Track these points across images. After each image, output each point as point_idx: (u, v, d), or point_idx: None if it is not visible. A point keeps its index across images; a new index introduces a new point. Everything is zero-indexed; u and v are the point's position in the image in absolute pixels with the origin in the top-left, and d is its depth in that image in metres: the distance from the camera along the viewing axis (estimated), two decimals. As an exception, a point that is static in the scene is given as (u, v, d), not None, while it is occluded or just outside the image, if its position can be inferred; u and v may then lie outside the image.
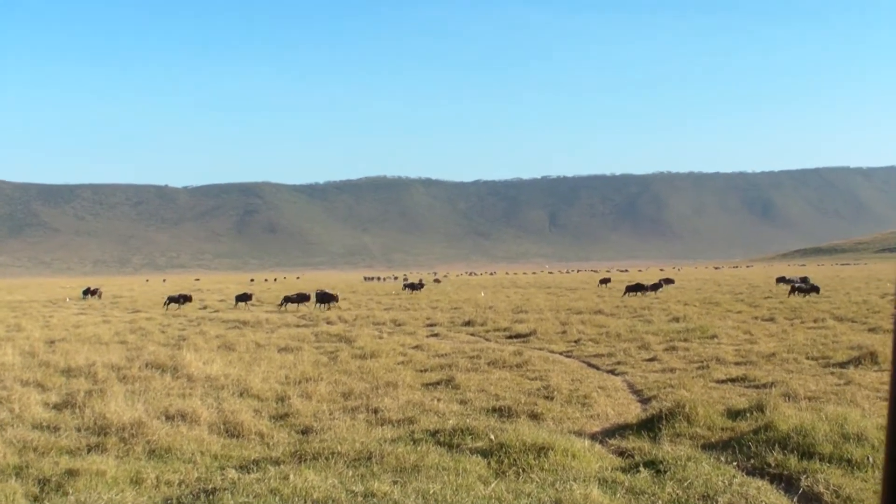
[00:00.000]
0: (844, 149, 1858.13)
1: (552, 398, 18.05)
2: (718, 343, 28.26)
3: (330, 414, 16.71)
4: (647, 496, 10.98)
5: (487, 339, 32.85)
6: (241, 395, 18.91)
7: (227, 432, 15.19)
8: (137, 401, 17.53)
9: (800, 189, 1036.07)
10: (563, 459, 12.38)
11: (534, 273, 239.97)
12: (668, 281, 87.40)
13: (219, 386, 20.02)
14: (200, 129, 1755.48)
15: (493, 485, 11.24)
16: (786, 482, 11.63)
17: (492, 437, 13.44)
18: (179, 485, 11.90)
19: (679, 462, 12.16)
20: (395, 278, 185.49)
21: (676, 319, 37.45)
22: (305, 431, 15.39)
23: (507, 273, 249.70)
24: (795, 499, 10.91)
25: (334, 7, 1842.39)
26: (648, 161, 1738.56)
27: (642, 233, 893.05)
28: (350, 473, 11.90)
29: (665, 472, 11.85)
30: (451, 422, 15.02)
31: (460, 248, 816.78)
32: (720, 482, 11.29)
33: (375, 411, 16.80)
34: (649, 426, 14.80)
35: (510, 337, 33.31)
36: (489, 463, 12.39)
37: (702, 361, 23.74)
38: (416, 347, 29.02)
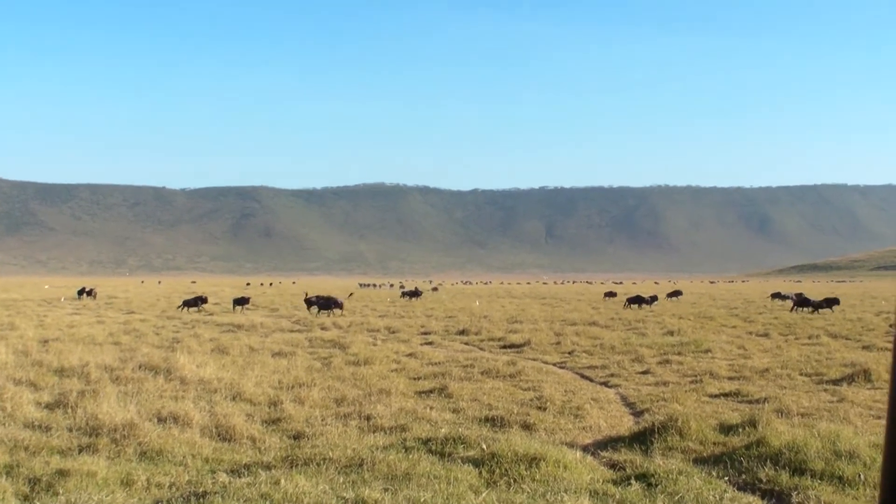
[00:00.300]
0: (842, 166, 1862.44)
1: (545, 409, 18.03)
2: (712, 357, 28.25)
3: (322, 420, 16.68)
4: (637, 509, 10.99)
5: (481, 349, 32.81)
6: (233, 398, 18.88)
7: (218, 436, 15.16)
8: (130, 402, 17.49)
9: (797, 205, 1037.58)
10: (555, 470, 12.37)
11: (528, 283, 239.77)
12: (677, 293, 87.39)
13: (212, 389, 19.99)
14: (199, 132, 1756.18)
15: (483, 494, 11.22)
16: (777, 498, 11.62)
17: (484, 446, 13.42)
18: (170, 487, 11.88)
19: (670, 476, 12.16)
20: (391, 286, 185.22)
21: (671, 333, 37.44)
22: (297, 437, 15.37)
23: (501, 283, 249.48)
24: (786, 515, 10.91)
25: (335, 13, 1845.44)
26: (646, 174, 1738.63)
27: (639, 245, 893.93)
28: (341, 480, 11.89)
29: (656, 485, 11.85)
30: (443, 430, 15.00)
31: (456, 257, 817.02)
32: (711, 497, 11.29)
33: (368, 418, 16.79)
34: (641, 439, 14.79)
35: (504, 347, 33.27)
36: (480, 472, 12.37)
37: (695, 375, 23.73)
38: (410, 355, 29.00)
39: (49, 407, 17.56)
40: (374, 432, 15.63)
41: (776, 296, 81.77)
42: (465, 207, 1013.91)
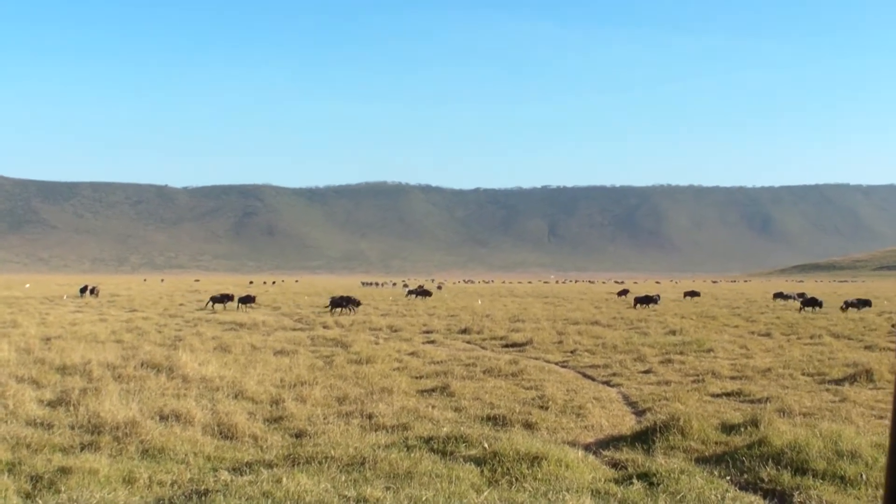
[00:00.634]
0: (844, 166, 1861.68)
1: (547, 408, 18.04)
2: (714, 357, 28.24)
3: (324, 418, 16.68)
4: (639, 508, 11.00)
5: (483, 348, 32.81)
6: (235, 397, 18.89)
7: (220, 434, 15.17)
8: (132, 400, 17.50)
9: (799, 205, 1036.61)
10: (557, 469, 12.37)
11: (529, 282, 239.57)
12: (694, 293, 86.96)
13: (214, 387, 20.00)
14: (201, 130, 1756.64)
15: (485, 493, 11.23)
16: (779, 498, 11.63)
17: (485, 445, 13.42)
18: (172, 485, 11.89)
19: (672, 475, 12.16)
20: (394, 284, 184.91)
21: (673, 332, 37.44)
22: (299, 435, 15.37)
23: (503, 282, 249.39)
24: (788, 515, 10.91)
25: (337, 12, 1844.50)
26: (648, 173, 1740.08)
27: (641, 245, 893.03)
28: (343, 478, 11.90)
29: (658, 484, 11.85)
30: (445, 429, 15.00)
31: (458, 256, 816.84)
32: (713, 496, 11.30)
33: (370, 417, 16.79)
34: (643, 438, 14.80)
35: (506, 346, 33.27)
36: (482, 471, 12.37)
37: (697, 375, 23.73)
38: (412, 354, 29.01)
39: (51, 405, 17.58)
40: (375, 431, 15.63)
41: (778, 295, 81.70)
42: (468, 206, 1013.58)
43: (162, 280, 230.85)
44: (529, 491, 11.49)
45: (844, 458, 12.68)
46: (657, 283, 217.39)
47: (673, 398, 19.19)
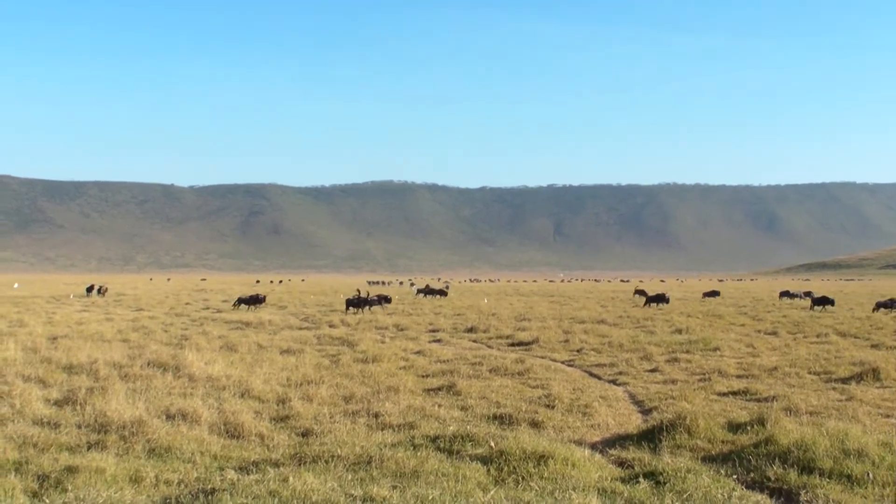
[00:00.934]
0: (851, 164, 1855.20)
1: (553, 407, 18.04)
2: (721, 356, 28.22)
3: (330, 417, 16.70)
4: (646, 507, 11.00)
5: (490, 347, 32.81)
6: (242, 396, 18.91)
7: (227, 433, 15.20)
8: (138, 399, 17.54)
9: (805, 203, 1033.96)
10: (563, 468, 12.38)
11: (534, 281, 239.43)
12: (714, 293, 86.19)
13: (220, 386, 20.03)
14: (207, 130, 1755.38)
15: (492, 492, 11.24)
16: (786, 496, 11.63)
17: (492, 444, 13.43)
18: (178, 484, 11.92)
19: (679, 474, 12.16)
20: (401, 283, 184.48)
21: (679, 331, 37.41)
22: (306, 434, 15.39)
23: (508, 281, 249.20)
24: (795, 513, 10.91)
25: (342, 11, 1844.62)
26: (654, 172, 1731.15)
27: (647, 244, 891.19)
28: (349, 477, 11.92)
29: (665, 483, 11.85)
30: (451, 428, 15.01)
31: (464, 255, 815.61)
32: (720, 495, 11.29)
33: (376, 416, 16.81)
34: (650, 437, 14.80)
35: (512, 344, 33.27)
36: (489, 470, 12.39)
37: (704, 374, 23.72)
38: (419, 353, 29.02)
39: (58, 404, 17.61)
40: (382, 430, 15.65)
41: (785, 294, 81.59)
42: (474, 205, 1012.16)
43: (168, 279, 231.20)
44: (536, 490, 11.50)
45: (851, 456, 12.68)
46: (662, 281, 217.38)
47: (679, 397, 19.21)
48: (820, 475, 12.14)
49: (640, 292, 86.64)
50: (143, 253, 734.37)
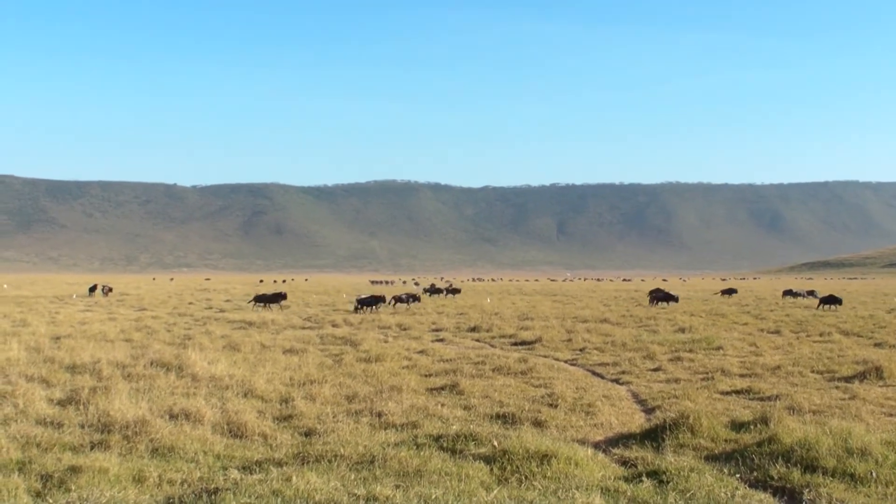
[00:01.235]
0: (854, 163, 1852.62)
1: (556, 406, 18.05)
2: (724, 354, 28.23)
3: (333, 416, 16.70)
4: (649, 506, 11.00)
5: (492, 346, 32.81)
6: (245, 395, 18.92)
7: (230, 432, 15.21)
8: (141, 399, 17.55)
9: (808, 202, 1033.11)
10: (566, 467, 12.38)
11: (536, 280, 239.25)
12: (732, 291, 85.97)
13: (223, 386, 20.03)
14: (210, 129, 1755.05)
15: (495, 491, 11.25)
16: (788, 495, 11.63)
17: (495, 443, 13.43)
18: (182, 484, 11.92)
19: (682, 473, 12.16)
20: (404, 282, 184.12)
21: (682, 330, 37.41)
22: (309, 433, 15.40)
23: (510, 280, 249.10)
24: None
25: (346, 10, 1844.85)
26: (657, 171, 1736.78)
27: (649, 242, 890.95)
28: (352, 476, 11.93)
29: (668, 482, 11.86)
30: (454, 427, 15.02)
31: (467, 254, 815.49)
32: (723, 494, 11.29)
33: (379, 415, 16.81)
34: (653, 436, 14.79)
35: (515, 344, 33.27)
36: (492, 469, 12.39)
37: (707, 373, 23.72)
38: (422, 352, 29.01)
39: (61, 403, 17.62)
40: (385, 429, 15.66)
41: (788, 293, 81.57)
42: (476, 204, 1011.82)
43: (171, 279, 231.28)
44: (539, 489, 11.51)
45: (854, 455, 12.68)
46: (664, 280, 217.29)
47: (682, 396, 19.21)
48: (823, 474, 12.14)
49: (657, 294, 72.40)
50: (145, 253, 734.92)
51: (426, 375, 23.42)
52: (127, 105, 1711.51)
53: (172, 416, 15.93)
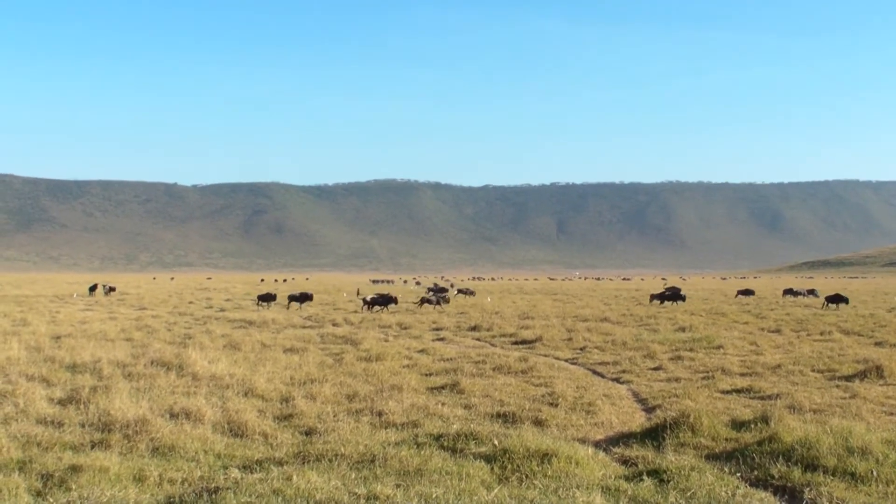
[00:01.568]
0: (854, 162, 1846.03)
1: (557, 405, 18.06)
2: (724, 354, 28.24)
3: (334, 416, 16.72)
4: (649, 505, 11.01)
5: (493, 345, 32.83)
6: (245, 394, 18.93)
7: (230, 432, 15.22)
8: (142, 398, 17.56)
9: (808, 201, 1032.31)
10: (567, 466, 12.39)
11: (535, 279, 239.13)
12: (749, 292, 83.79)
13: (223, 385, 20.05)
14: (210, 128, 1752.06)
15: (495, 490, 11.25)
16: (789, 494, 11.64)
17: (495, 442, 13.45)
18: (182, 483, 11.93)
19: (683, 472, 12.17)
20: (405, 282, 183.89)
21: (682, 329, 37.43)
22: (309, 433, 15.41)
23: (508, 279, 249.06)
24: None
25: (345, 9, 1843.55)
26: (657, 170, 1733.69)
27: (650, 242, 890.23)
28: (353, 476, 11.94)
29: (668, 481, 11.87)
30: (455, 426, 15.03)
31: (467, 253, 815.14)
32: (723, 493, 11.30)
33: (380, 414, 16.82)
34: (653, 435, 14.81)
35: (516, 343, 33.29)
36: (492, 468, 12.40)
37: (707, 372, 23.73)
38: (422, 351, 29.03)
39: (61, 403, 17.63)
40: (385, 428, 15.67)
41: (788, 292, 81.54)
42: (476, 203, 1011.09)
43: (172, 278, 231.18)
44: (540, 488, 11.52)
45: (855, 454, 12.69)
46: (663, 279, 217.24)
47: (683, 395, 19.22)
48: (824, 473, 12.15)
49: (666, 294, 69.30)
50: (146, 252, 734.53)
51: (427, 374, 23.43)
52: (127, 104, 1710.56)
53: (173, 416, 15.94)
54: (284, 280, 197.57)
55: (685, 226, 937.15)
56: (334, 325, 41.59)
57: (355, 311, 52.44)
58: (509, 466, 12.40)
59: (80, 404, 17.05)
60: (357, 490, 11.12)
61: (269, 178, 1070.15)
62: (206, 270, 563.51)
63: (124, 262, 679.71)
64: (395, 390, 19.68)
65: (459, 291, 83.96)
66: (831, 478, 11.97)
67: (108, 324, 39.76)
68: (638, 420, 16.97)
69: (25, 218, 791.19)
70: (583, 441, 14.57)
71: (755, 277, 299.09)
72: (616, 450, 14.11)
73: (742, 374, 23.36)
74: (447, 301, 59.85)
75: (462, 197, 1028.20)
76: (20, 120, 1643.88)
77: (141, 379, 20.74)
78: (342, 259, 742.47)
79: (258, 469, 12.42)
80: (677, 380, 22.47)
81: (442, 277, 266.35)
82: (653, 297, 66.25)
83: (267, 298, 59.64)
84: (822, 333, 35.69)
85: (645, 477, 12.12)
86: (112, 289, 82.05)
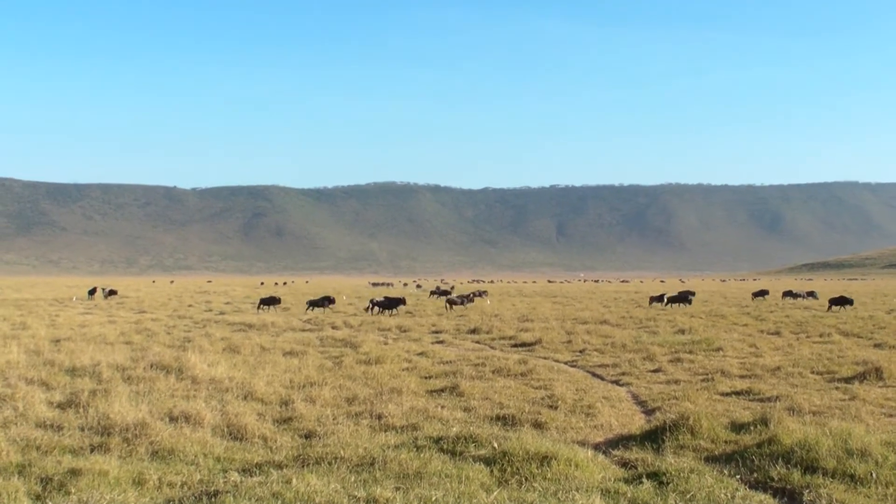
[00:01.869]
0: (853, 164, 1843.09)
1: (556, 407, 18.06)
2: (724, 356, 28.23)
3: (333, 419, 16.72)
4: (649, 508, 11.01)
5: (492, 347, 32.81)
6: (245, 398, 18.93)
7: (230, 435, 15.22)
8: (141, 401, 17.56)
9: (808, 203, 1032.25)
10: (566, 469, 12.39)
11: (534, 282, 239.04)
12: (764, 293, 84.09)
13: (223, 388, 20.04)
14: (209, 132, 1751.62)
15: (495, 493, 11.25)
16: (789, 496, 11.65)
17: (495, 445, 13.45)
18: (181, 486, 11.93)
19: (682, 474, 12.17)
20: (405, 284, 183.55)
21: (682, 331, 37.42)
22: (309, 436, 15.41)
23: (507, 282, 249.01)
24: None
25: (344, 11, 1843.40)
26: (657, 172, 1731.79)
27: (649, 244, 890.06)
28: (353, 479, 11.94)
29: (668, 483, 11.87)
30: (454, 429, 15.03)
31: (467, 256, 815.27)
32: (723, 495, 11.31)
33: (379, 417, 16.82)
34: (653, 437, 14.81)
35: (515, 345, 33.28)
36: (492, 471, 12.40)
37: (706, 374, 23.72)
38: (421, 354, 29.03)
39: (61, 406, 17.63)
40: (385, 431, 15.67)
41: (787, 294, 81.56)
42: (476, 206, 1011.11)
43: (171, 281, 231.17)
44: (539, 491, 11.52)
45: (854, 456, 12.69)
46: (662, 282, 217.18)
47: (682, 397, 19.22)
48: (823, 475, 12.15)
49: (686, 294, 71.79)
50: (145, 255, 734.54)
51: (426, 377, 23.43)
52: (126, 107, 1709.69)
53: (172, 419, 15.94)
54: (284, 283, 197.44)
55: (685, 228, 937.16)
56: (333, 328, 41.60)
57: (355, 314, 52.45)
58: (509, 469, 12.39)
59: (80, 408, 17.05)
60: (357, 493, 11.12)
61: (268, 181, 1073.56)
62: (205, 274, 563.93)
63: (124, 265, 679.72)
64: (394, 393, 19.68)
65: (476, 294, 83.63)
66: (831, 480, 11.96)
67: (107, 327, 39.76)
68: (637, 422, 16.97)
69: (25, 221, 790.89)
70: (582, 443, 14.57)
71: (754, 279, 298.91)
72: (616, 452, 14.11)
73: (741, 377, 23.37)
74: (471, 301, 61.16)
75: (461, 199, 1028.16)
76: (20, 123, 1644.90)
77: (140, 382, 20.73)
78: (342, 262, 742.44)
79: (258, 472, 12.41)
80: (677, 382, 22.47)
81: (442, 280, 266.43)
82: (652, 299, 66.24)
83: (269, 302, 59.62)
84: (821, 335, 35.70)
85: (644, 479, 12.12)
86: (112, 292, 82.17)
